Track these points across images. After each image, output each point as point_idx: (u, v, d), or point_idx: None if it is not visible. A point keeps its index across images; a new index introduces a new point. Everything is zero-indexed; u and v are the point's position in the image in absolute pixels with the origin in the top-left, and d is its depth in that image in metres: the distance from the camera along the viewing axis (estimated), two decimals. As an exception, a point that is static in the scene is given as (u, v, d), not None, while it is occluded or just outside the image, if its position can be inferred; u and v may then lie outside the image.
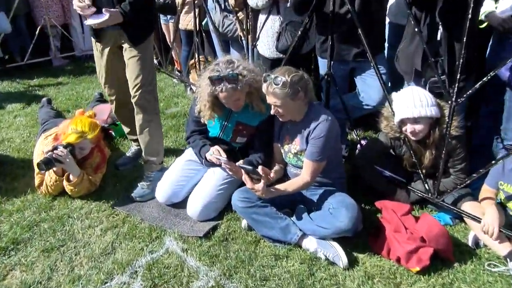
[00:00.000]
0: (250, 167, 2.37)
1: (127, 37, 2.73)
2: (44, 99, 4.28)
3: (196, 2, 4.23)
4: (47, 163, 2.74)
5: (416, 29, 2.35)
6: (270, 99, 2.37)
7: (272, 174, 2.48)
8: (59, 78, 5.45)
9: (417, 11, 2.47)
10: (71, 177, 2.86)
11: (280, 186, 2.47)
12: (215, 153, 2.54)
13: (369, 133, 3.65)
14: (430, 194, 2.65)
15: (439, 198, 2.61)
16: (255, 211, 2.47)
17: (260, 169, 2.40)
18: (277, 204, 2.55)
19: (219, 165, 2.62)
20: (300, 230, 2.45)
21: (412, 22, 2.37)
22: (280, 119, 2.49)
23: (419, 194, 2.72)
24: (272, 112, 2.42)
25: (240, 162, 2.45)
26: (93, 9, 2.60)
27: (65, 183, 2.86)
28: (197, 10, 4.32)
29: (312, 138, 2.41)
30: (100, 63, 2.94)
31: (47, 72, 5.67)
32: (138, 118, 2.92)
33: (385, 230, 2.40)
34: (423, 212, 2.73)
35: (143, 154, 3.07)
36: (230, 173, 2.54)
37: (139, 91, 2.80)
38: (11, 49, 5.77)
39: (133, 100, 2.85)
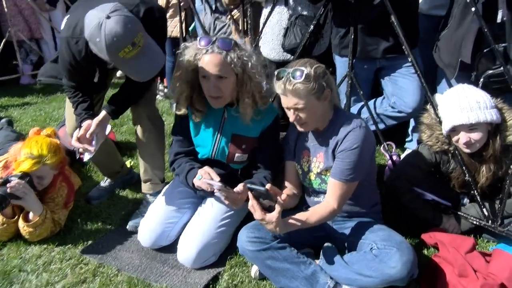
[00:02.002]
0: (262, 188, 1.69)
1: None
2: (3, 120, 3.61)
3: (182, 4, 3.67)
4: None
5: (473, 8, 1.79)
6: (288, 101, 1.78)
7: (283, 196, 1.85)
8: (26, 98, 4.77)
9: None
10: (30, 215, 2.20)
11: (299, 217, 1.82)
12: (205, 176, 1.90)
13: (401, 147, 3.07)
14: (490, 221, 2.07)
15: (503, 227, 2.03)
16: (270, 255, 1.85)
17: (268, 187, 1.74)
18: (295, 243, 1.94)
19: (212, 193, 2.00)
20: (331, 278, 1.83)
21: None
22: (300, 129, 1.89)
23: (476, 222, 2.13)
24: (291, 119, 1.83)
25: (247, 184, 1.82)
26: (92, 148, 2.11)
27: (21, 224, 2.20)
28: (183, 14, 3.76)
29: (342, 151, 1.81)
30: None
31: (13, 91, 4.99)
32: (140, 129, 2.39)
33: (446, 275, 1.80)
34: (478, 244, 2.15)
35: (142, 172, 2.49)
36: (227, 202, 1.90)
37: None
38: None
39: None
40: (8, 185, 2.11)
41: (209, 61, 1.85)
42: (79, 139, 2.09)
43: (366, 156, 1.83)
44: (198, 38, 1.91)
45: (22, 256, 2.18)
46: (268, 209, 1.73)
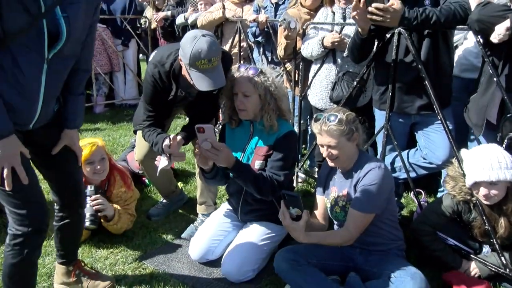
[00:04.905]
0: (295, 194, 2.01)
1: None
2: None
3: (242, 54, 4.17)
4: (93, 221, 2.62)
5: (495, 79, 2.09)
6: (323, 140, 2.13)
7: (305, 216, 2.07)
8: (97, 124, 5.43)
9: (495, 59, 2.24)
10: (109, 217, 2.68)
11: (319, 233, 2.17)
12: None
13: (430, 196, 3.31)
14: (508, 269, 2.25)
15: (520, 276, 2.21)
16: (301, 275, 2.13)
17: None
18: (325, 269, 2.21)
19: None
20: (354, 302, 2.09)
21: (491, 71, 2.13)
22: (331, 164, 2.23)
23: (494, 269, 2.31)
24: (324, 154, 2.17)
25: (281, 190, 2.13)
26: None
27: (105, 224, 2.69)
28: (242, 62, 4.25)
29: (363, 185, 2.12)
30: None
31: (86, 118, 5.60)
32: None
33: (459, 311, 2.00)
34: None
35: (199, 194, 2.94)
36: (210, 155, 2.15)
37: None
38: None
39: None
40: (92, 204, 2.62)
41: (238, 82, 2.33)
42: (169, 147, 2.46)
43: (383, 192, 2.12)
44: (238, 65, 2.43)
45: (93, 256, 2.59)
46: (296, 219, 2.04)
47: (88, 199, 2.61)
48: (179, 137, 2.52)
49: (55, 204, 2.09)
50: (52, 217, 2.04)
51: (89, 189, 2.66)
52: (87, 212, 2.58)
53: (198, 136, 2.12)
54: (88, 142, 2.71)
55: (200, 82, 2.25)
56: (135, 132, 3.00)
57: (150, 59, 2.60)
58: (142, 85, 2.75)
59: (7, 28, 1.50)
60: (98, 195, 2.65)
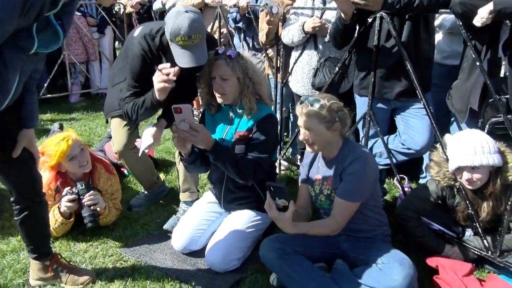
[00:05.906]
0: (281, 185, 1.98)
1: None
2: (56, 124, 4.03)
3: (222, 40, 4.08)
4: (94, 220, 2.53)
5: (478, 63, 2.09)
6: (301, 121, 2.10)
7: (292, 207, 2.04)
8: (73, 114, 5.27)
9: (477, 44, 2.23)
10: (99, 210, 2.59)
11: (306, 223, 2.15)
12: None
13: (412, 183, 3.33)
14: (490, 252, 2.28)
15: (502, 258, 2.23)
16: (288, 264, 2.11)
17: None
18: (311, 257, 2.19)
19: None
20: (341, 288, 2.07)
21: (473, 56, 2.12)
22: (308, 149, 2.19)
23: (477, 252, 2.34)
24: (301, 137, 2.15)
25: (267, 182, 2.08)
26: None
27: None
28: (222, 49, 4.17)
29: (348, 174, 2.10)
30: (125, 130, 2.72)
31: (62, 107, 5.50)
32: None
33: (444, 294, 2.02)
34: (479, 274, 2.35)
35: (182, 181, 2.83)
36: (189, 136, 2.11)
37: None
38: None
39: None
40: (86, 202, 2.52)
41: (216, 65, 2.27)
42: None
43: (368, 180, 2.11)
44: (216, 49, 2.34)
45: (72, 249, 2.51)
46: (282, 210, 2.01)
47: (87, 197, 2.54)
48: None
49: (11, 198, 2.03)
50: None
51: (80, 187, 2.55)
52: (85, 213, 2.52)
53: (175, 116, 2.05)
54: (61, 139, 2.54)
55: (180, 58, 2.20)
56: (107, 121, 2.91)
57: (135, 34, 2.50)
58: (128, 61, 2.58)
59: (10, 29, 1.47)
60: (92, 191, 2.55)
